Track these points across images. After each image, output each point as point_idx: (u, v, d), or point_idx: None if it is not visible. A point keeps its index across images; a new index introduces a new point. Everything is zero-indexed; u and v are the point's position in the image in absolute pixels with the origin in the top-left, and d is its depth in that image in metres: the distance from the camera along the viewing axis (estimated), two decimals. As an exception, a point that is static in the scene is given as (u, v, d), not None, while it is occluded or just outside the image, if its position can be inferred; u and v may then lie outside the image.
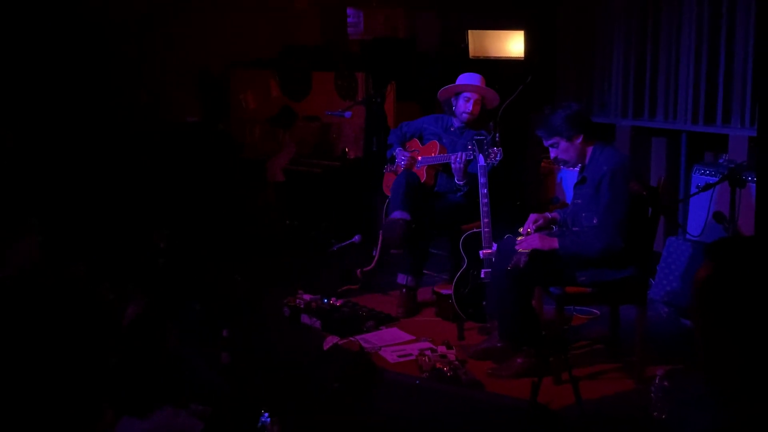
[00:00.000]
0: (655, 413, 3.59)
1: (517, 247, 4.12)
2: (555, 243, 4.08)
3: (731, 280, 3.15)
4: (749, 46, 5.41)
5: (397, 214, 5.02)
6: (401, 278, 5.21)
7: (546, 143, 4.25)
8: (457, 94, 5.27)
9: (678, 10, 5.83)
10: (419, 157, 5.31)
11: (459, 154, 5.01)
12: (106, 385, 3.84)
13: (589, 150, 4.19)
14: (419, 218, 5.06)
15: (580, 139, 4.16)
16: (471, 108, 5.22)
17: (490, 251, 4.63)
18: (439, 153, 5.23)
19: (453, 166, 5.04)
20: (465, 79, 5.27)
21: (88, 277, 4.93)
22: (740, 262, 3.23)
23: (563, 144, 4.18)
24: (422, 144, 5.40)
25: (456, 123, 5.33)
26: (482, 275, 4.68)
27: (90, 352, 4.18)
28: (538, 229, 4.28)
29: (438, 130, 5.37)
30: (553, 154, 4.26)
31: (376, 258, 5.66)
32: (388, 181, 5.42)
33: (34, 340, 4.15)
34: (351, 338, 4.56)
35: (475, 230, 4.80)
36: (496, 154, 4.75)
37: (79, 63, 6.34)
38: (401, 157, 5.32)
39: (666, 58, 5.98)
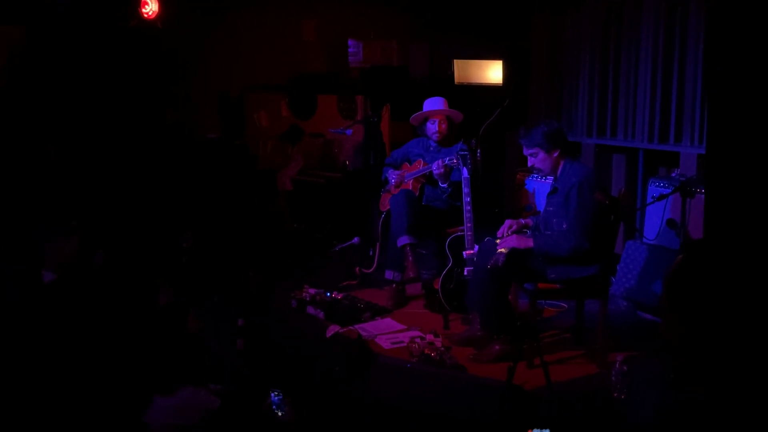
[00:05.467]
0: (615, 393, 3.57)
1: (498, 247, 4.11)
2: (530, 242, 4.08)
3: (697, 273, 3.13)
4: (698, 76, 5.43)
5: (404, 240, 4.98)
6: (388, 274, 5.18)
7: (526, 152, 4.22)
8: (426, 119, 5.26)
9: (636, 43, 5.85)
10: (406, 174, 5.30)
11: (437, 161, 4.99)
12: (139, 365, 3.80)
13: (561, 164, 4.18)
14: (418, 230, 5.02)
15: (556, 153, 4.16)
16: (437, 128, 5.20)
17: (472, 252, 4.61)
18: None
19: (435, 172, 5.02)
20: (429, 104, 5.25)
21: (119, 272, 4.89)
22: (706, 259, 3.21)
23: (542, 155, 4.16)
24: (410, 165, 5.40)
25: (432, 143, 5.31)
26: (465, 273, 4.66)
27: (123, 338, 4.15)
28: (513, 233, 4.26)
29: (421, 151, 5.36)
30: (530, 162, 4.24)
31: (375, 261, 5.63)
32: (384, 200, 5.43)
33: (75, 331, 4.11)
34: (350, 327, 4.55)
35: (459, 233, 4.78)
36: (478, 163, 4.76)
37: (116, 87, 6.35)
38: (391, 177, 5.36)
39: (625, 85, 5.99)
